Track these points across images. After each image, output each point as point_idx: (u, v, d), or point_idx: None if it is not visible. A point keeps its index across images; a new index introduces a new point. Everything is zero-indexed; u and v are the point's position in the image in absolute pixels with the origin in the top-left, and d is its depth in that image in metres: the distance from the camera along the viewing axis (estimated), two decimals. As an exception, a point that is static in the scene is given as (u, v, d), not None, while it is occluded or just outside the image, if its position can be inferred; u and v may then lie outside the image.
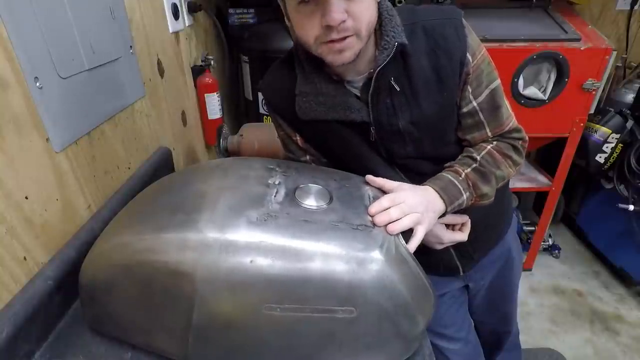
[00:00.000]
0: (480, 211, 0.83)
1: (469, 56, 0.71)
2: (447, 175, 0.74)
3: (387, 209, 0.62)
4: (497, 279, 1.04)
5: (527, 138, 0.81)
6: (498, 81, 0.76)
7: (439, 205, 0.70)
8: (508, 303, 1.15)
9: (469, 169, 0.75)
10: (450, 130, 0.79)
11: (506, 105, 0.78)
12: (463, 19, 0.72)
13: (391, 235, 0.59)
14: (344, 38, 0.64)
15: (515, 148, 0.79)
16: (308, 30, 0.66)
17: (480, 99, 0.75)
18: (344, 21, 0.62)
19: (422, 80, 0.72)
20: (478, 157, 0.76)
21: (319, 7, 0.62)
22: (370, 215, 0.61)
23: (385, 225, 0.60)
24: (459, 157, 0.79)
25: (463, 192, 0.73)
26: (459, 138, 0.80)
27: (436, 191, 0.71)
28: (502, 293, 1.10)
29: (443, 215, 0.72)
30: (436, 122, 0.76)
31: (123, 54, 0.93)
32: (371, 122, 0.75)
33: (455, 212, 0.81)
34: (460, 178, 0.73)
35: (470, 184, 0.74)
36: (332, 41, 0.64)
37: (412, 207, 0.64)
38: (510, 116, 0.79)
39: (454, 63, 0.71)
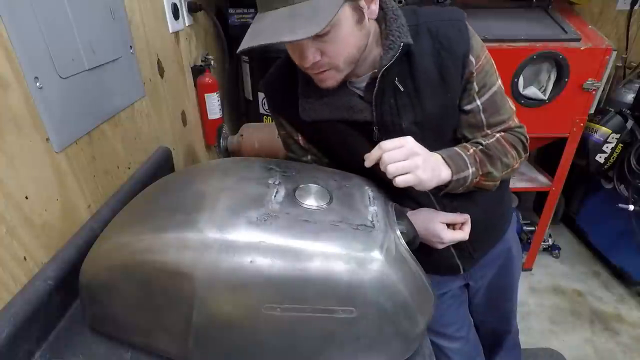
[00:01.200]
0: (480, 210, 0.83)
1: (472, 58, 0.72)
2: (455, 148, 0.74)
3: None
4: (497, 277, 1.04)
5: (528, 136, 0.82)
6: (499, 82, 0.77)
7: (444, 170, 0.69)
8: (508, 302, 1.15)
9: (477, 148, 0.75)
10: (452, 130, 0.79)
11: (508, 106, 0.79)
12: (466, 21, 0.73)
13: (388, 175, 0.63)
14: (322, 72, 0.67)
15: (522, 142, 0.80)
16: (294, 58, 0.69)
17: (484, 99, 0.75)
18: (318, 61, 0.64)
19: (426, 80, 0.72)
20: (484, 142, 0.76)
21: (297, 46, 0.64)
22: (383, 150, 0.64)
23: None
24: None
25: (469, 165, 0.72)
26: (459, 137, 0.80)
27: (443, 158, 0.70)
28: (501, 292, 1.10)
29: (448, 185, 0.71)
30: (439, 122, 0.76)
31: (123, 54, 0.93)
32: (374, 122, 0.75)
33: (454, 213, 0.81)
34: (468, 153, 0.73)
35: (478, 160, 0.73)
36: (313, 73, 0.68)
37: (415, 154, 0.64)
38: (512, 115, 0.80)
39: (458, 63, 0.71)
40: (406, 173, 0.63)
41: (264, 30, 0.59)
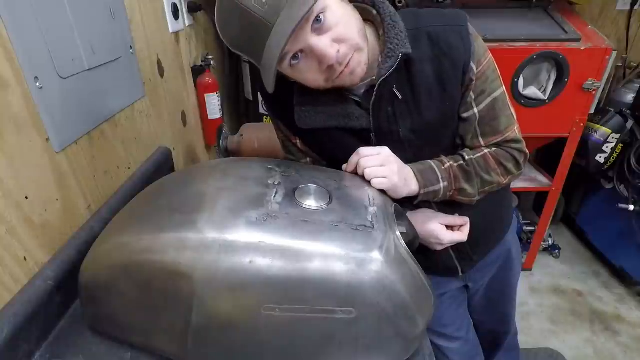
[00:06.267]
0: (480, 214, 0.83)
1: (472, 64, 0.70)
2: (430, 162, 0.75)
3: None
4: (497, 279, 1.04)
5: (527, 151, 0.80)
6: (501, 89, 0.75)
7: (413, 183, 0.72)
8: (507, 303, 1.15)
9: (454, 163, 0.75)
10: (450, 137, 0.78)
11: (509, 114, 0.77)
12: (469, 25, 0.71)
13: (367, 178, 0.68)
14: (348, 62, 0.64)
15: (514, 159, 0.78)
16: (313, 80, 0.67)
17: (482, 106, 0.74)
18: (338, 51, 0.62)
19: (425, 87, 0.71)
20: (467, 157, 0.75)
21: (311, 55, 0.62)
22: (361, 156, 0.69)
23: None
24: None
25: (441, 180, 0.73)
26: (458, 144, 0.80)
27: (414, 172, 0.72)
28: (501, 293, 1.10)
29: (416, 197, 0.73)
30: (437, 129, 0.75)
31: (123, 54, 0.93)
32: (371, 129, 0.74)
33: (453, 213, 0.81)
34: (443, 167, 0.74)
35: (452, 175, 0.74)
36: (341, 72, 0.65)
37: (390, 162, 0.69)
38: (511, 125, 0.77)
39: (457, 70, 0.70)
40: (382, 178, 0.67)
41: (272, 47, 0.57)
